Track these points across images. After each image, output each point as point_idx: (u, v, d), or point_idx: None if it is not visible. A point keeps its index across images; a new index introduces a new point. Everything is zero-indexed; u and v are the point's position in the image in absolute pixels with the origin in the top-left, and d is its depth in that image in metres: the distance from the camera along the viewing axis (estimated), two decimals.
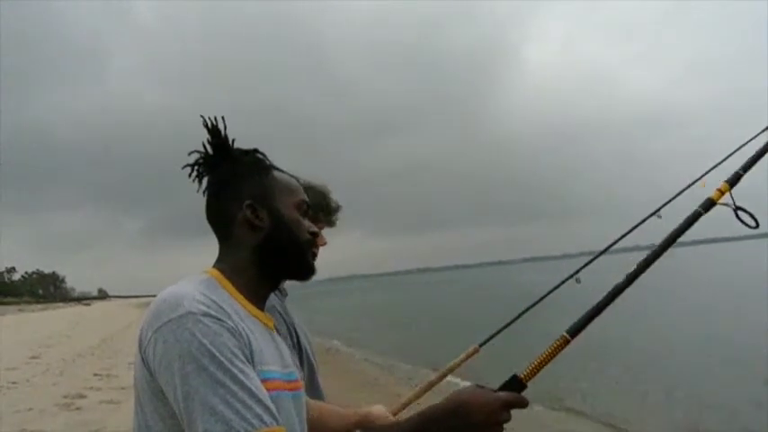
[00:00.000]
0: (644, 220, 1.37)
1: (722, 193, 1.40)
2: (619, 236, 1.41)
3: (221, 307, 1.06)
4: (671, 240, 1.36)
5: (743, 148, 1.49)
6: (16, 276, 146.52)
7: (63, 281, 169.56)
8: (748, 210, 1.40)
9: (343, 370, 13.35)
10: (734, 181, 1.42)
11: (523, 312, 1.28)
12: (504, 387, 1.21)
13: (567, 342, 1.25)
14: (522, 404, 1.18)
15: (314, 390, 1.88)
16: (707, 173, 1.47)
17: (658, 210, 1.39)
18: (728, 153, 1.52)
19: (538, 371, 1.22)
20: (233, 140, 1.28)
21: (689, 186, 1.42)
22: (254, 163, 1.29)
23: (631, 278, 1.33)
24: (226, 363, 0.98)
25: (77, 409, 8.62)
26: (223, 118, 1.26)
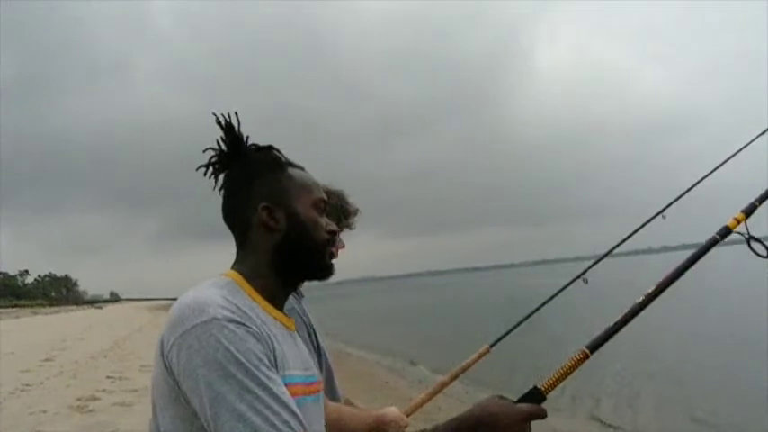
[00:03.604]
0: (649, 221, 1.38)
1: (738, 222, 1.43)
2: (624, 237, 1.41)
3: (245, 312, 1.05)
4: (689, 264, 1.39)
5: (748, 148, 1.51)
6: (29, 279, 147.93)
7: (75, 284, 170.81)
8: (762, 240, 1.42)
9: (354, 373, 13.34)
10: (749, 211, 1.45)
11: (533, 312, 1.28)
12: (524, 398, 1.21)
13: (586, 357, 1.27)
14: (542, 416, 1.18)
15: (332, 391, 1.90)
16: (708, 174, 1.47)
17: (663, 210, 1.40)
18: (727, 156, 1.53)
19: (557, 383, 1.23)
20: (247, 137, 1.25)
21: (692, 188, 1.42)
22: (269, 161, 1.25)
23: (650, 298, 1.35)
24: (252, 369, 0.97)
25: (90, 411, 8.66)
26: (237, 114, 1.22)
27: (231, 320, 1.01)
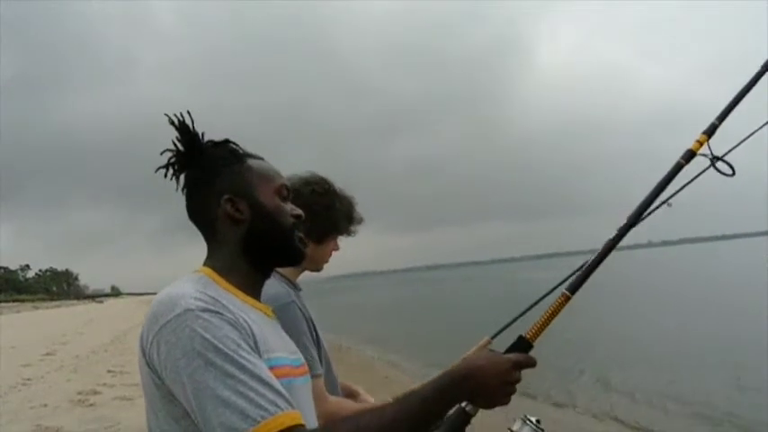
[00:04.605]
0: (655, 209, 1.37)
1: (701, 144, 1.43)
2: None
3: (218, 301, 1.06)
4: (659, 190, 1.38)
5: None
6: (30, 274, 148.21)
7: (76, 278, 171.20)
8: (726, 160, 1.43)
9: (353, 367, 13.35)
10: (711, 131, 1.44)
11: (535, 304, 1.28)
12: (511, 348, 1.23)
13: (567, 299, 1.28)
14: (531, 364, 1.19)
15: (331, 385, 1.91)
16: (711, 165, 1.46)
17: (668, 199, 1.39)
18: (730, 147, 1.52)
19: (542, 330, 1.24)
20: (203, 134, 1.25)
21: (696, 178, 1.42)
22: (227, 155, 1.25)
23: (623, 232, 1.35)
24: (231, 354, 0.98)
25: (91, 405, 8.70)
26: (189, 113, 1.22)
27: (205, 310, 1.01)
